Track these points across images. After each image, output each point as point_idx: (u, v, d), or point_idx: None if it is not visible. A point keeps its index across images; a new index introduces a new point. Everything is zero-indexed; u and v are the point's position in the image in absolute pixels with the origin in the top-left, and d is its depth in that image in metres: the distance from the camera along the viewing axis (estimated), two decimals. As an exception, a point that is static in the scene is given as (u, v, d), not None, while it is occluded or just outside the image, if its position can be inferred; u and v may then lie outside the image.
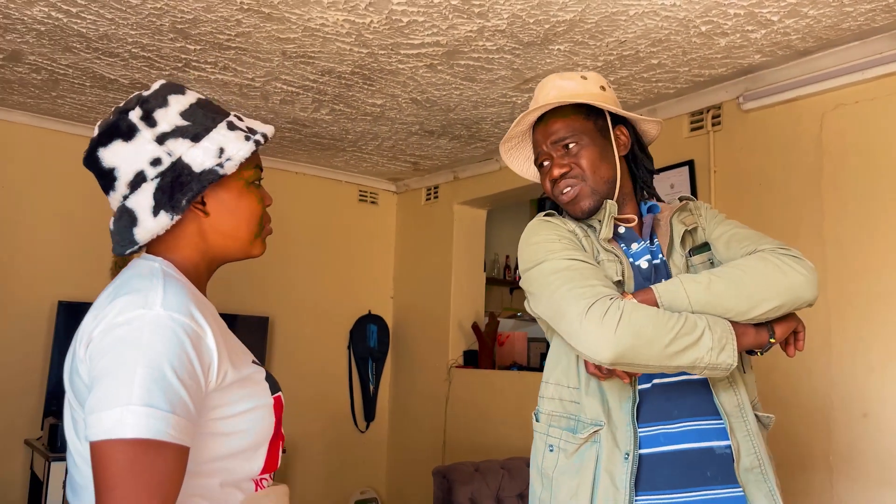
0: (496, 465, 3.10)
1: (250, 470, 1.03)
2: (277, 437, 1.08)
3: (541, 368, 3.42)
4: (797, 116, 2.70)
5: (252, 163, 1.12)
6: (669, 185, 3.11)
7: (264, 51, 2.63)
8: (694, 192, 3.01)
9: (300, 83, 2.94)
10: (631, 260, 1.47)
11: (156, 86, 1.09)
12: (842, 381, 2.50)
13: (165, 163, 1.03)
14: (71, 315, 3.45)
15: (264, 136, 1.10)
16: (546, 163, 1.47)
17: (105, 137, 1.04)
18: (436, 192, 4.44)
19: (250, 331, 3.97)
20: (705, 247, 1.51)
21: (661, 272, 1.46)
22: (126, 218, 1.04)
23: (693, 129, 3.05)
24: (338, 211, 4.51)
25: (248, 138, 1.08)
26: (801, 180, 2.67)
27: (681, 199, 1.56)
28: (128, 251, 1.08)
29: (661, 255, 1.48)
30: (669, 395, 1.37)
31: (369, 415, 4.49)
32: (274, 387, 1.09)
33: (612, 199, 1.45)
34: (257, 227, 1.13)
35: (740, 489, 1.32)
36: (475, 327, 4.02)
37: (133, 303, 0.94)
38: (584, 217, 1.46)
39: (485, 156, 3.91)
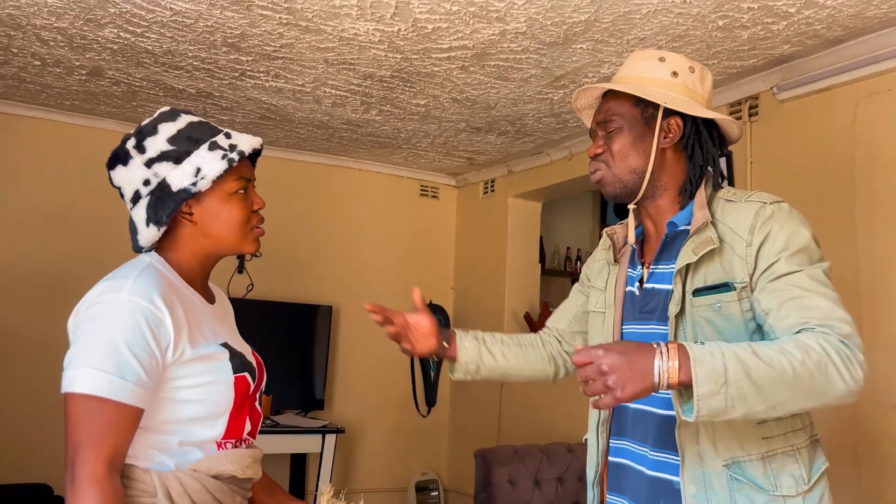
0: (535, 450, 3.22)
1: (212, 435, 1.22)
2: (243, 410, 1.27)
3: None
4: (831, 105, 2.68)
5: (235, 175, 1.29)
6: (708, 176, 3.13)
7: (308, 59, 2.85)
8: (731, 183, 3.01)
9: (346, 87, 3.14)
10: (630, 287, 1.47)
11: (156, 114, 1.30)
12: (871, 372, 2.46)
13: (153, 183, 1.24)
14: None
15: (241, 153, 1.28)
16: (593, 139, 1.48)
17: (111, 162, 1.28)
18: (492, 186, 4.57)
19: (315, 319, 4.24)
20: (721, 289, 1.31)
21: (660, 304, 1.38)
22: (132, 226, 1.28)
23: (732, 120, 3.05)
24: (400, 205, 4.71)
25: (224, 157, 1.26)
26: (834, 169, 2.64)
27: (749, 199, 1.37)
28: (142, 250, 1.30)
29: (671, 284, 1.37)
30: (632, 419, 1.42)
31: (430, 400, 4.68)
32: (239, 367, 1.27)
33: (639, 193, 1.41)
34: (241, 230, 1.30)
35: None
36: (527, 317, 4.13)
37: (108, 287, 1.17)
38: (615, 201, 1.48)
39: (535, 150, 4.01)
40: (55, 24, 2.65)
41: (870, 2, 2.23)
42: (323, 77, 3.03)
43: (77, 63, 3.04)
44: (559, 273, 5.28)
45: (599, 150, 1.43)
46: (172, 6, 2.44)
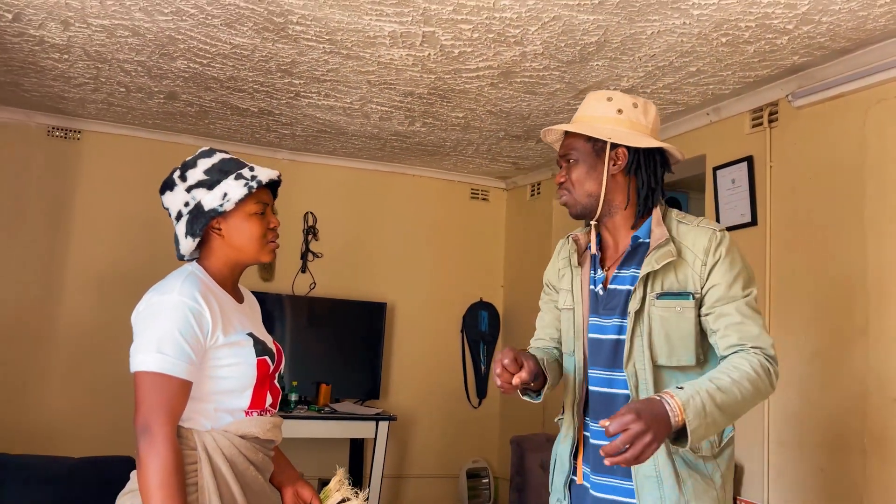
0: (568, 437, 3.44)
1: (239, 404, 1.55)
2: (264, 386, 1.58)
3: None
4: (843, 112, 2.79)
5: (254, 200, 1.60)
6: (731, 179, 3.27)
7: (353, 81, 3.16)
8: (752, 186, 3.15)
9: (390, 104, 3.45)
10: (592, 286, 1.72)
11: (197, 152, 1.64)
12: (878, 366, 2.60)
13: (191, 205, 1.57)
14: (225, 300, 4.23)
15: (259, 182, 1.59)
16: (560, 168, 1.76)
17: (163, 188, 1.62)
18: (538, 189, 4.79)
19: (371, 316, 4.58)
20: (683, 297, 1.60)
21: (620, 302, 1.64)
22: (176, 239, 1.61)
23: (754, 126, 3.19)
24: (451, 208, 5.00)
25: (246, 185, 1.57)
26: (845, 173, 2.76)
27: (700, 225, 1.64)
28: (185, 258, 1.63)
29: (633, 284, 1.64)
30: (600, 401, 1.69)
31: (481, 392, 4.95)
32: (261, 352, 1.58)
33: (597, 212, 1.68)
34: (259, 244, 1.62)
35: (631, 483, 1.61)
36: (569, 314, 4.34)
37: (162, 291, 1.51)
38: (577, 219, 1.76)
39: (575, 155, 4.21)
40: (135, 58, 3.06)
41: (866, 17, 2.36)
42: (368, 96, 3.34)
43: (156, 89, 3.46)
44: (608, 271, 5.44)
45: (562, 180, 1.72)
46: (231, 41, 2.79)
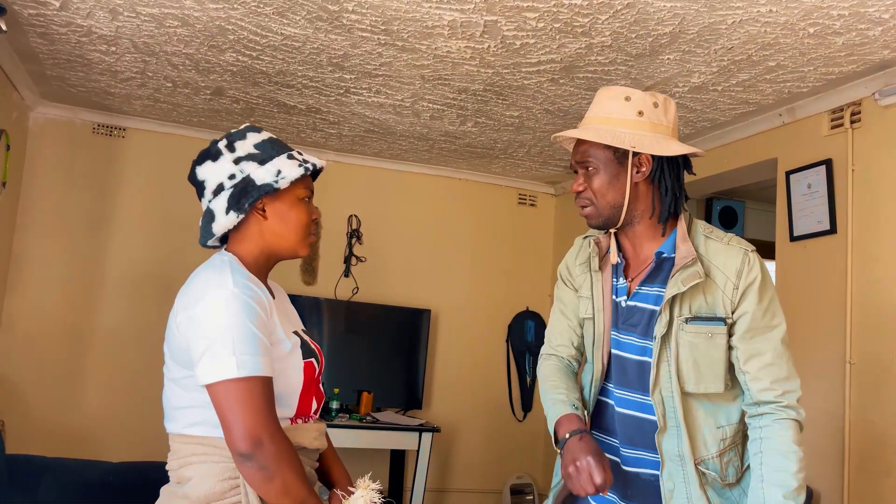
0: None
1: (285, 413, 1.37)
2: (310, 391, 1.41)
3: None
4: (937, 111, 2.58)
5: (304, 184, 1.45)
6: (807, 184, 3.06)
7: (406, 76, 3.03)
8: (831, 191, 2.94)
9: (442, 101, 3.30)
10: (614, 296, 1.61)
11: (242, 126, 1.48)
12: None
13: (237, 178, 1.39)
14: (293, 302, 4.12)
15: (314, 165, 1.45)
16: (575, 173, 1.62)
17: (200, 158, 1.43)
18: (590, 195, 4.60)
19: (415, 323, 4.43)
20: (714, 322, 1.49)
21: (643, 321, 1.54)
22: (208, 216, 1.42)
23: (833, 127, 2.97)
24: (498, 213, 4.83)
25: (300, 165, 1.42)
26: (940, 178, 2.54)
27: (730, 243, 1.53)
28: (209, 242, 1.46)
29: (658, 304, 1.53)
30: (631, 425, 1.58)
31: (526, 405, 4.77)
32: (307, 354, 1.42)
33: (620, 221, 1.55)
34: (303, 233, 1.45)
35: None
36: (622, 325, 4.14)
37: (213, 285, 1.31)
38: (598, 230, 1.63)
39: (631, 159, 4.03)
40: (183, 51, 2.96)
41: (973, 4, 2.15)
42: (420, 92, 3.21)
43: (202, 84, 3.36)
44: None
45: (581, 189, 1.58)
46: (282, 31, 2.68)
